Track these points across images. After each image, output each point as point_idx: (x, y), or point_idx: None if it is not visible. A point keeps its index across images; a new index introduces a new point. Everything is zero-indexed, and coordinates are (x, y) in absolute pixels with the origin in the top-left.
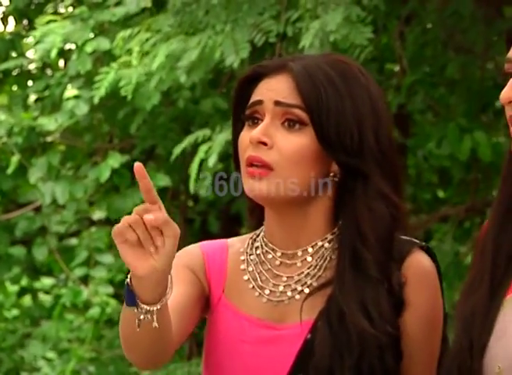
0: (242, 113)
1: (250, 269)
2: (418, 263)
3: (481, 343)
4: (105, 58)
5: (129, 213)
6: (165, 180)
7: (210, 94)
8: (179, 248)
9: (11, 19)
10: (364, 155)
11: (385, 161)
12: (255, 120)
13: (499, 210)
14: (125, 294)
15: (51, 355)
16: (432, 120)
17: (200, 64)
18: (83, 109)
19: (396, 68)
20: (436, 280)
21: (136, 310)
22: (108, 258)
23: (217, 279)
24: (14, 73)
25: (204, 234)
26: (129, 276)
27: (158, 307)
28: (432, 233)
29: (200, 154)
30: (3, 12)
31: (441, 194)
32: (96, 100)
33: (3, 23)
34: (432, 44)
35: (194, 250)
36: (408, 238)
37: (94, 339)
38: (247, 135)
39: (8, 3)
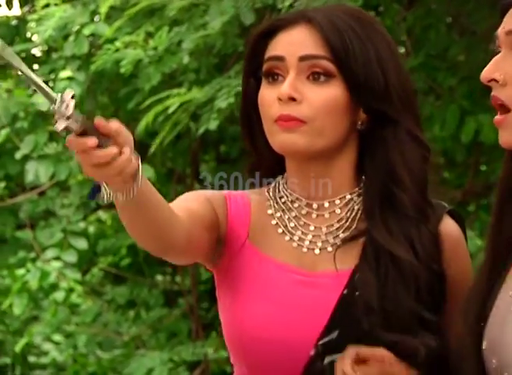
0: (259, 69)
1: (278, 214)
2: (450, 233)
3: (478, 329)
4: (104, 43)
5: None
6: (149, 172)
7: (215, 77)
8: None
9: (16, 4)
10: (392, 99)
11: (409, 102)
12: (275, 76)
13: (500, 195)
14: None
15: (57, 337)
16: (434, 103)
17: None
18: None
19: (402, 50)
20: (466, 249)
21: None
22: (82, 244)
23: (240, 222)
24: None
25: None
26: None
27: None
28: None
29: (159, 107)
30: None
31: (447, 175)
32: (92, 68)
33: (8, 8)
34: (435, 26)
35: (217, 192)
36: (437, 201)
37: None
38: (269, 92)
39: None
